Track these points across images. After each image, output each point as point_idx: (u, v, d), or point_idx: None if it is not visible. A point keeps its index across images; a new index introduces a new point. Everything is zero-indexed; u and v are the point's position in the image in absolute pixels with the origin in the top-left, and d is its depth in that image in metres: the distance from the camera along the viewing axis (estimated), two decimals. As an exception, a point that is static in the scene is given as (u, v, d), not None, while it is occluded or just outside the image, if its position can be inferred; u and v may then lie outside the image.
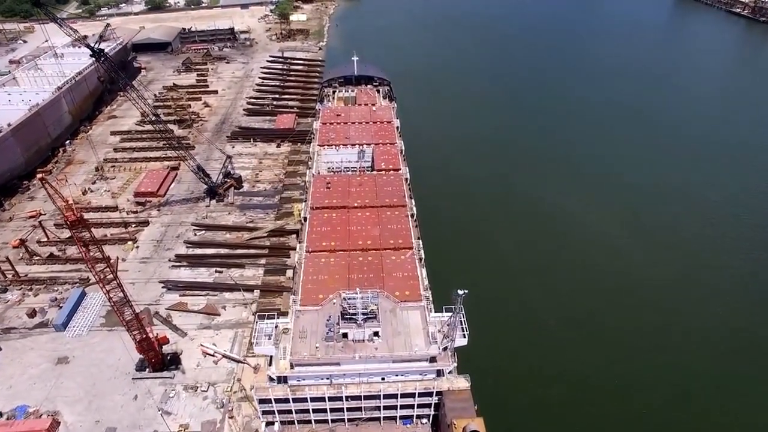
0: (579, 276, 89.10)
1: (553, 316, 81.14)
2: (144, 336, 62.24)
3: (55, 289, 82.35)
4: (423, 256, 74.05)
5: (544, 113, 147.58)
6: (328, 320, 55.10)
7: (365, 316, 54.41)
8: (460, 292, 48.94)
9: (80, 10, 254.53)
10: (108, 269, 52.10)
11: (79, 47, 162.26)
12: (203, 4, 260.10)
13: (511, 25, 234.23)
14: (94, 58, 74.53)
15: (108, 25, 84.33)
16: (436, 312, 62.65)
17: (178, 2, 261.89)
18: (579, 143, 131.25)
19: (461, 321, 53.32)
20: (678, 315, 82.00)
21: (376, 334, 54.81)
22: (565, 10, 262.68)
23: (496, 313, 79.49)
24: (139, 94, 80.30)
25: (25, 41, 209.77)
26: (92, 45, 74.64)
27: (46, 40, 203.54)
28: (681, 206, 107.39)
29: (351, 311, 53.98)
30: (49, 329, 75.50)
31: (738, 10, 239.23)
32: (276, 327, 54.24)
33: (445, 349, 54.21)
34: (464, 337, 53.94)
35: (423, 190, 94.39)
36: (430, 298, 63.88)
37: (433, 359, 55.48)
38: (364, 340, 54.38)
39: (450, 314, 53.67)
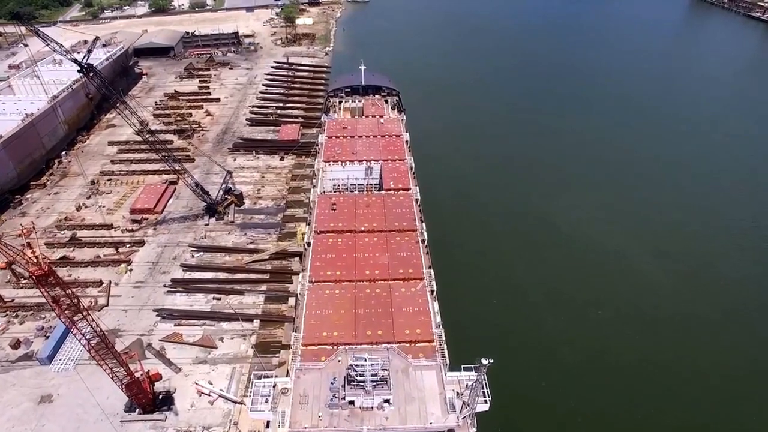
0: (610, 314, 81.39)
1: (581, 358, 74.61)
2: (131, 380, 56.90)
3: (43, 316, 77.28)
4: (435, 288, 68.53)
5: (563, 122, 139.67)
6: (332, 383, 49.19)
7: (375, 383, 48.37)
8: (485, 361, 43.10)
9: (83, 13, 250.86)
10: (87, 318, 46.34)
11: (79, 53, 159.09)
12: (207, 7, 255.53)
13: (524, 29, 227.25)
14: (82, 74, 68.91)
15: (97, 38, 78.95)
16: (445, 350, 57.30)
17: (182, 5, 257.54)
18: (602, 159, 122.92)
19: (483, 385, 47.02)
20: (722, 352, 75.78)
21: (386, 401, 48.62)
22: (579, 14, 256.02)
23: (515, 354, 73.19)
24: (132, 110, 75.06)
25: (26, 45, 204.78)
26: (81, 59, 69.05)
27: (47, 44, 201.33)
28: (706, 223, 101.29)
29: (359, 378, 47.86)
30: (34, 363, 70.39)
31: (757, 14, 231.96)
32: (274, 386, 48.52)
33: (464, 418, 47.95)
34: (486, 402, 47.93)
35: (434, 212, 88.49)
36: (446, 351, 57.68)
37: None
38: (372, 408, 48.17)
39: (469, 373, 47.92)
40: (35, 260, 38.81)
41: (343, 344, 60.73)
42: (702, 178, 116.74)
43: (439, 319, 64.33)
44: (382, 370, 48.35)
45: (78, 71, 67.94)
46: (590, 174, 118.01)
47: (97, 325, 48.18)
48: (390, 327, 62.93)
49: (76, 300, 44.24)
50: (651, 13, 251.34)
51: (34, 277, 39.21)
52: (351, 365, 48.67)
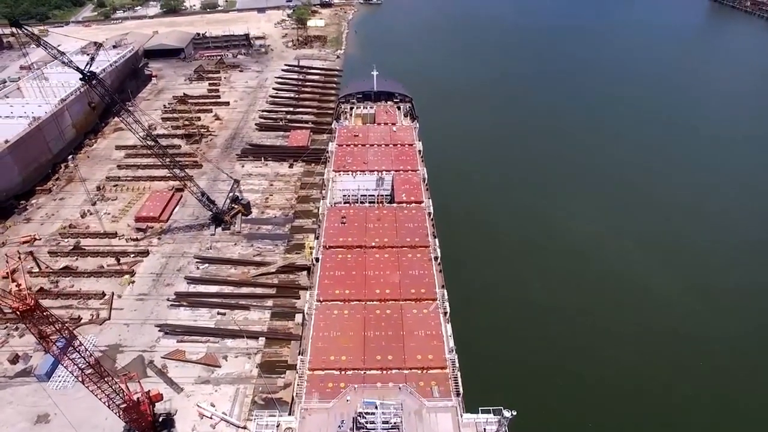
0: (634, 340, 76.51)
1: (607, 391, 70.02)
2: (129, 404, 54.25)
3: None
4: (448, 309, 65.34)
5: (583, 130, 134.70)
6: (340, 426, 46.07)
7: (386, 430, 45.02)
8: (507, 414, 39.75)
9: (95, 14, 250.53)
10: (79, 350, 43.47)
11: (88, 54, 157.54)
12: (219, 8, 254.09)
13: (540, 31, 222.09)
14: (84, 82, 66.41)
15: (100, 44, 76.28)
16: (458, 377, 54.49)
17: (194, 6, 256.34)
18: (623, 170, 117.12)
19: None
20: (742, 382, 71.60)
21: (398, 448, 45.24)
22: (595, 18, 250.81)
23: (531, 385, 69.48)
24: (136, 119, 72.58)
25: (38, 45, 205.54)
26: (84, 65, 66.62)
27: (58, 45, 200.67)
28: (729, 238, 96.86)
29: (369, 426, 44.56)
30: (31, 379, 68.18)
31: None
32: (278, 426, 45.54)
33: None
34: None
35: (447, 227, 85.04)
36: (459, 379, 54.52)
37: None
38: (383, 455, 45.00)
39: (487, 416, 44.51)
40: (21, 294, 35.95)
41: (352, 369, 58.12)
42: (723, 189, 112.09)
43: (452, 343, 61.32)
44: (395, 416, 44.95)
45: (80, 79, 65.56)
46: (611, 187, 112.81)
47: (91, 355, 45.42)
48: (401, 352, 59.99)
49: (67, 333, 41.45)
50: (669, 18, 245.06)
51: (18, 313, 36.41)
52: (360, 413, 45.25)
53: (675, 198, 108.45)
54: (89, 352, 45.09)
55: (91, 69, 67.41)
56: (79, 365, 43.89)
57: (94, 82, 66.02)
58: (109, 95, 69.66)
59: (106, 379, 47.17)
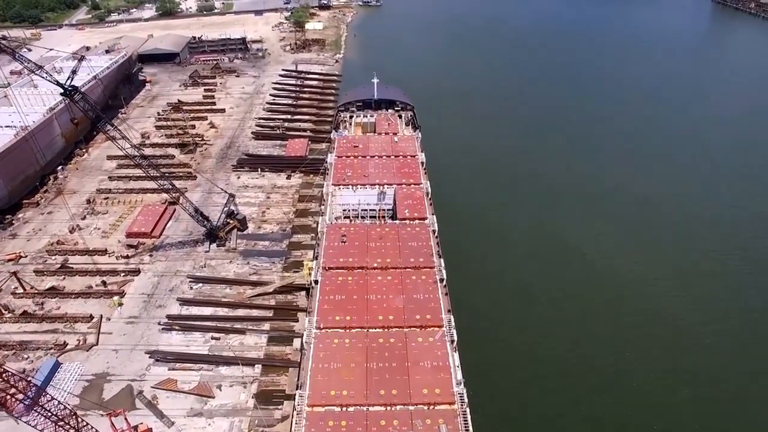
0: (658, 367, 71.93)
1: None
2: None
3: (26, 356, 70.95)
4: (455, 337, 61.45)
5: (591, 137, 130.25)
6: None
7: None
8: None
9: (90, 16, 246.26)
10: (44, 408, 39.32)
11: (82, 58, 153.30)
12: (216, 11, 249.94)
13: (545, 36, 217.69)
14: (65, 97, 62.11)
15: (83, 58, 71.83)
16: (467, 413, 50.89)
17: (190, 8, 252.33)
18: (634, 180, 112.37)
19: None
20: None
21: None
22: (596, 21, 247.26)
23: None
24: (123, 135, 68.51)
25: (29, 49, 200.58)
26: (65, 79, 62.51)
27: (51, 49, 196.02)
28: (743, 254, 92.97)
29: None
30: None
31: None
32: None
33: None
34: None
35: (452, 246, 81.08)
36: (468, 416, 50.85)
37: None
38: None
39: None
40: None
41: (354, 405, 54.36)
42: (739, 200, 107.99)
43: (460, 375, 57.45)
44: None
45: (61, 94, 61.42)
46: (633, 204, 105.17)
47: (65, 408, 41.35)
48: (406, 386, 56.08)
49: (33, 389, 37.33)
50: (671, 20, 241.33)
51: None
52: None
53: (686, 207, 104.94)
54: (63, 405, 40.94)
55: (73, 83, 63.17)
56: (52, 419, 39.86)
57: (77, 96, 61.84)
58: (94, 110, 65.36)
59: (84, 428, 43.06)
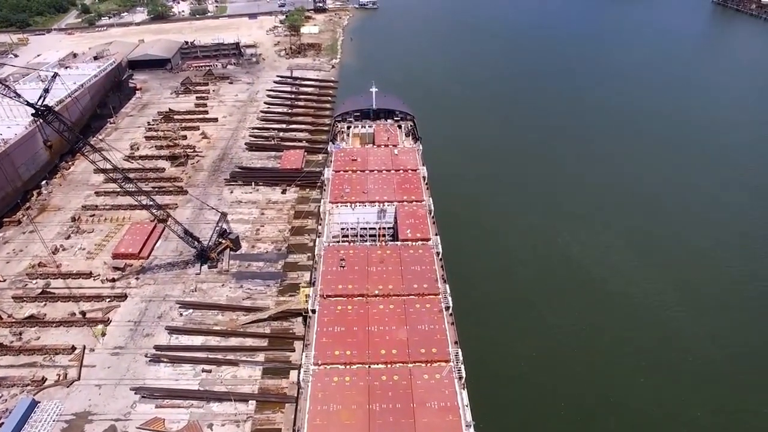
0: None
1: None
2: None
3: (0, 395, 66.18)
4: (464, 373, 56.95)
5: (601, 147, 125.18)
6: None
7: None
8: None
9: (80, 20, 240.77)
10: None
11: (68, 67, 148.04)
12: (209, 14, 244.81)
13: (548, 40, 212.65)
14: (37, 118, 57.19)
15: (56, 75, 66.49)
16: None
17: (183, 12, 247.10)
18: (647, 193, 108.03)
19: None
20: None
21: None
22: (596, 23, 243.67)
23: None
24: (102, 155, 63.73)
25: (16, 55, 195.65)
26: (37, 98, 57.47)
27: (38, 55, 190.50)
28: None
29: None
30: (-14, 458, 59.53)
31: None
32: None
33: None
34: None
35: (457, 269, 76.36)
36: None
37: None
38: None
39: None
40: None
41: (356, 454, 50.09)
42: (744, 206, 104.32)
43: (469, 416, 52.97)
44: None
45: (33, 115, 56.59)
46: (644, 219, 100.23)
47: None
48: (411, 429, 51.52)
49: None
50: (670, 21, 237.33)
51: None
52: None
53: (691, 213, 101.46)
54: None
55: (51, 98, 58.35)
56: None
57: (50, 117, 56.92)
58: (69, 130, 60.41)
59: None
